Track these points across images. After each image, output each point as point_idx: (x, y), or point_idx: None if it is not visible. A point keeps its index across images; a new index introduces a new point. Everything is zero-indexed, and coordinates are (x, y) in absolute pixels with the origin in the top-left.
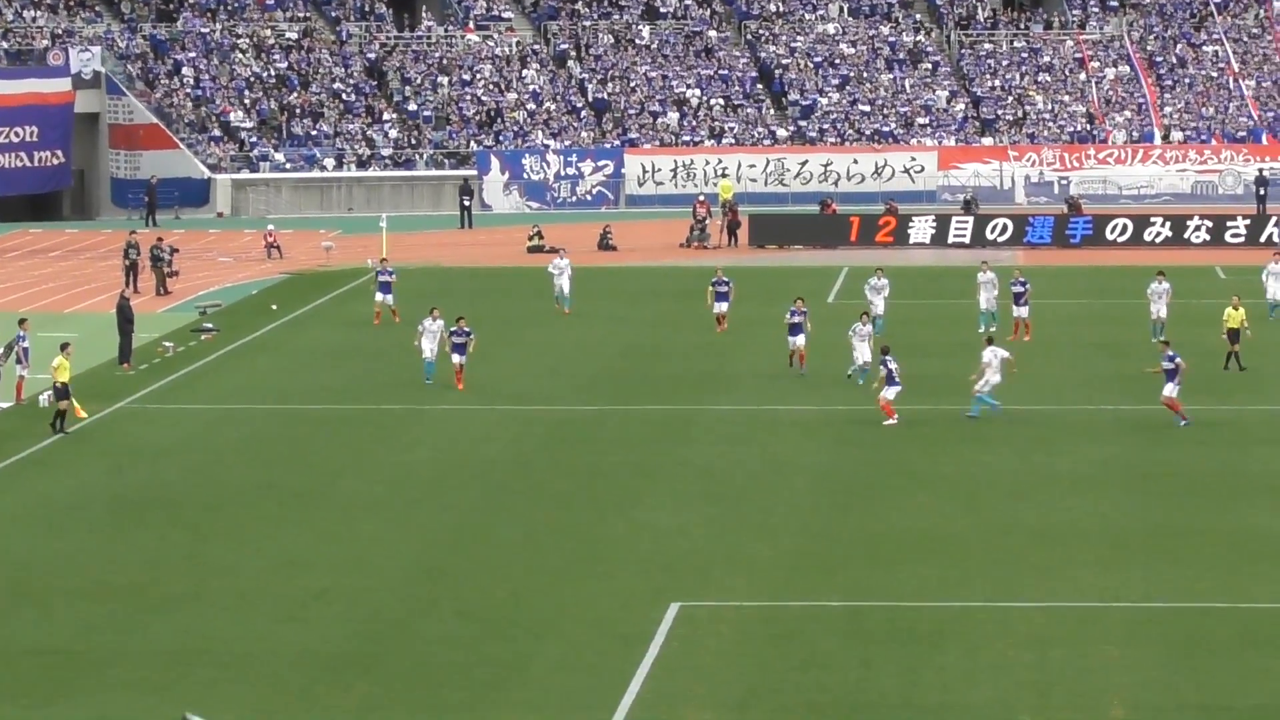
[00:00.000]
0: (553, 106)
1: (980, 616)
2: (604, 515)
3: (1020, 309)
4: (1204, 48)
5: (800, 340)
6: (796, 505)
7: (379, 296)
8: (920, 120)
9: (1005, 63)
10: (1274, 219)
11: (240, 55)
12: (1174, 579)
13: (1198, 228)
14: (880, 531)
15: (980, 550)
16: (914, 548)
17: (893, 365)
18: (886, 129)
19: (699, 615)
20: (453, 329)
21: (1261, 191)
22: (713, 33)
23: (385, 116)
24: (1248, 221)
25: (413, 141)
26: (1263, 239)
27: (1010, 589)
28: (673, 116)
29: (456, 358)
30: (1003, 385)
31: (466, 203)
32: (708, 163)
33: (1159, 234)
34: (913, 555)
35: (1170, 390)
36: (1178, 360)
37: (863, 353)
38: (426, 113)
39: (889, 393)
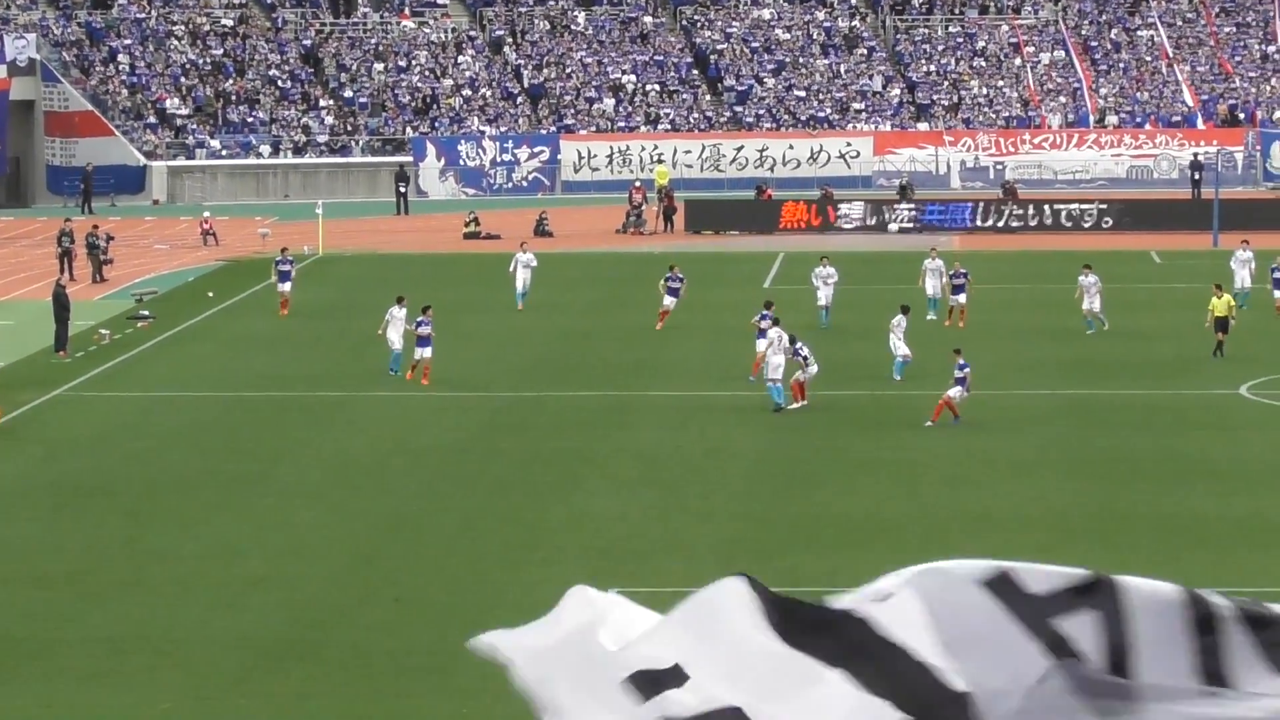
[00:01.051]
0: (488, 93)
1: None
2: (542, 501)
3: (957, 296)
4: (1139, 32)
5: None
6: (734, 490)
7: (281, 287)
8: (856, 106)
9: (941, 48)
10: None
11: (176, 42)
12: (1114, 564)
13: (1132, 212)
14: (819, 517)
15: (920, 536)
16: (853, 533)
17: (805, 351)
18: (822, 114)
19: (637, 601)
20: (419, 319)
21: (1196, 176)
22: (648, 18)
23: (321, 103)
24: (1184, 206)
25: (349, 128)
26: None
27: None
28: (608, 103)
29: (422, 351)
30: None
31: (403, 189)
32: (643, 149)
33: (1092, 218)
34: (852, 541)
35: (954, 393)
36: (967, 370)
37: (899, 347)
38: (362, 99)
39: (802, 374)
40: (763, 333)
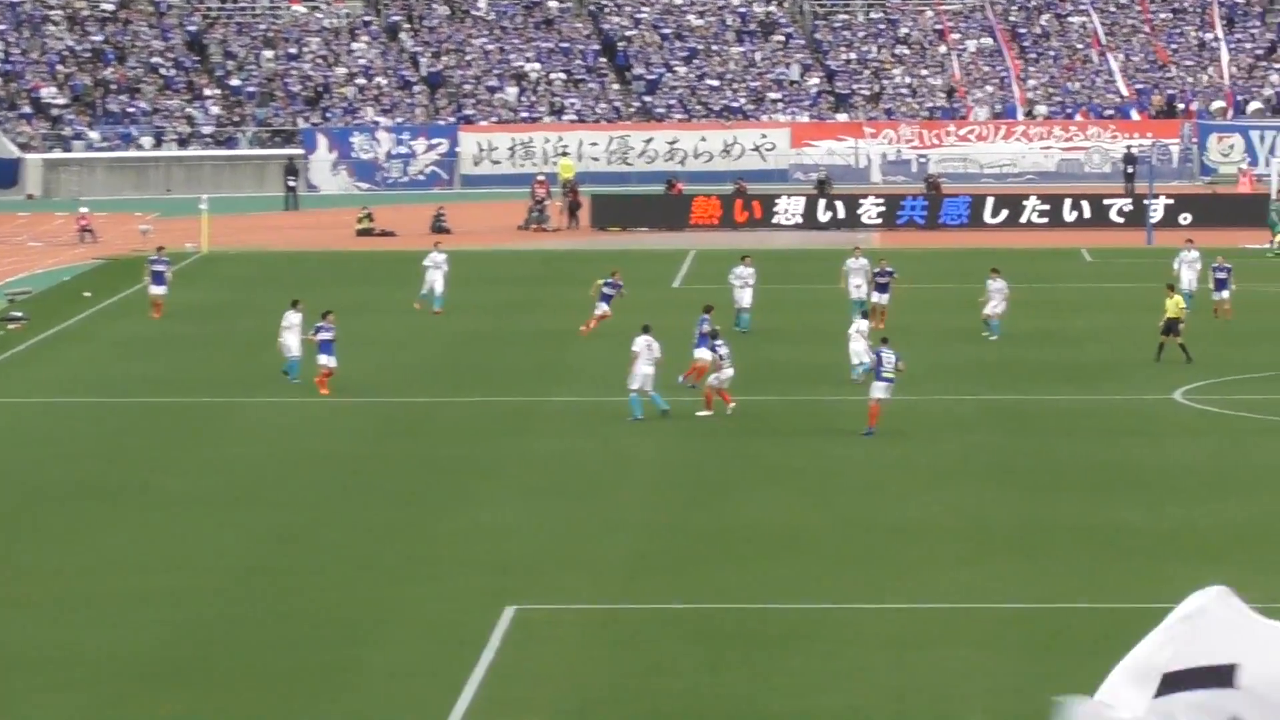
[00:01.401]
0: (384, 81)
1: (834, 618)
2: (438, 513)
3: (880, 295)
4: (1070, 19)
5: (702, 354)
6: (640, 501)
7: (153, 289)
8: (772, 95)
9: (861, 34)
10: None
11: (53, 27)
12: (1038, 577)
13: (1063, 207)
14: (729, 528)
15: (834, 548)
16: (764, 545)
17: (724, 350)
18: (736, 104)
19: (536, 618)
20: (319, 324)
21: (1130, 170)
22: (553, 3)
23: (207, 92)
24: (1118, 202)
25: (235, 119)
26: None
27: (866, 589)
28: (511, 92)
29: (324, 359)
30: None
31: (292, 183)
32: (547, 140)
33: (1021, 214)
34: (763, 553)
35: (880, 391)
36: (894, 363)
37: (860, 355)
38: (250, 88)
39: (715, 379)
40: (703, 338)
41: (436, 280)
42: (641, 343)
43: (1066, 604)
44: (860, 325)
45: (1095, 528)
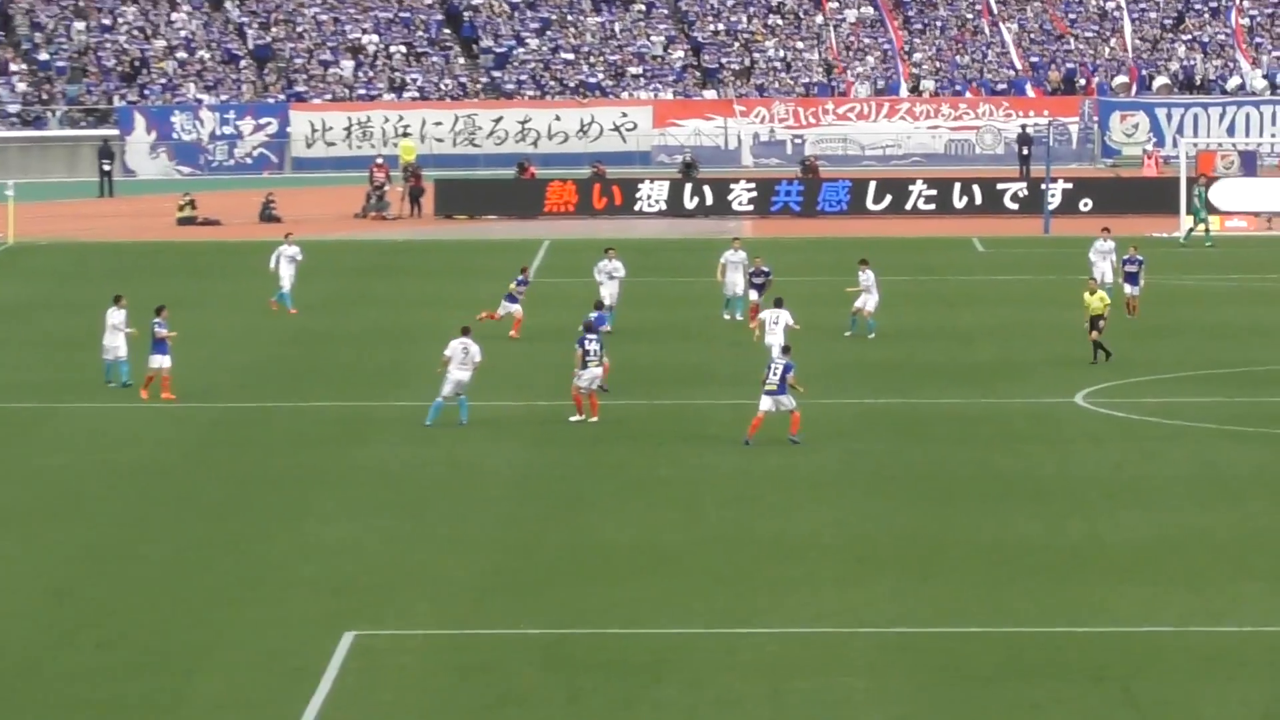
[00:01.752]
0: (207, 55)
1: (705, 644)
2: (267, 529)
3: (756, 294)
4: None
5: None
6: (491, 516)
7: None
8: (633, 70)
9: (730, 4)
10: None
11: None
12: (928, 598)
13: (953, 193)
14: (587, 545)
15: (704, 566)
16: (628, 564)
17: (593, 345)
18: (594, 80)
19: (377, 645)
20: (154, 320)
21: (1025, 151)
22: None
23: (12, 68)
24: (1012, 186)
25: (44, 97)
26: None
27: (739, 611)
28: (347, 66)
29: (158, 360)
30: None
31: (107, 167)
32: (386, 120)
33: (895, 200)
34: (626, 573)
35: (767, 403)
36: (791, 374)
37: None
38: (60, 63)
39: (585, 379)
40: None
41: (289, 275)
42: (456, 346)
43: (959, 628)
44: (776, 314)
45: (991, 543)
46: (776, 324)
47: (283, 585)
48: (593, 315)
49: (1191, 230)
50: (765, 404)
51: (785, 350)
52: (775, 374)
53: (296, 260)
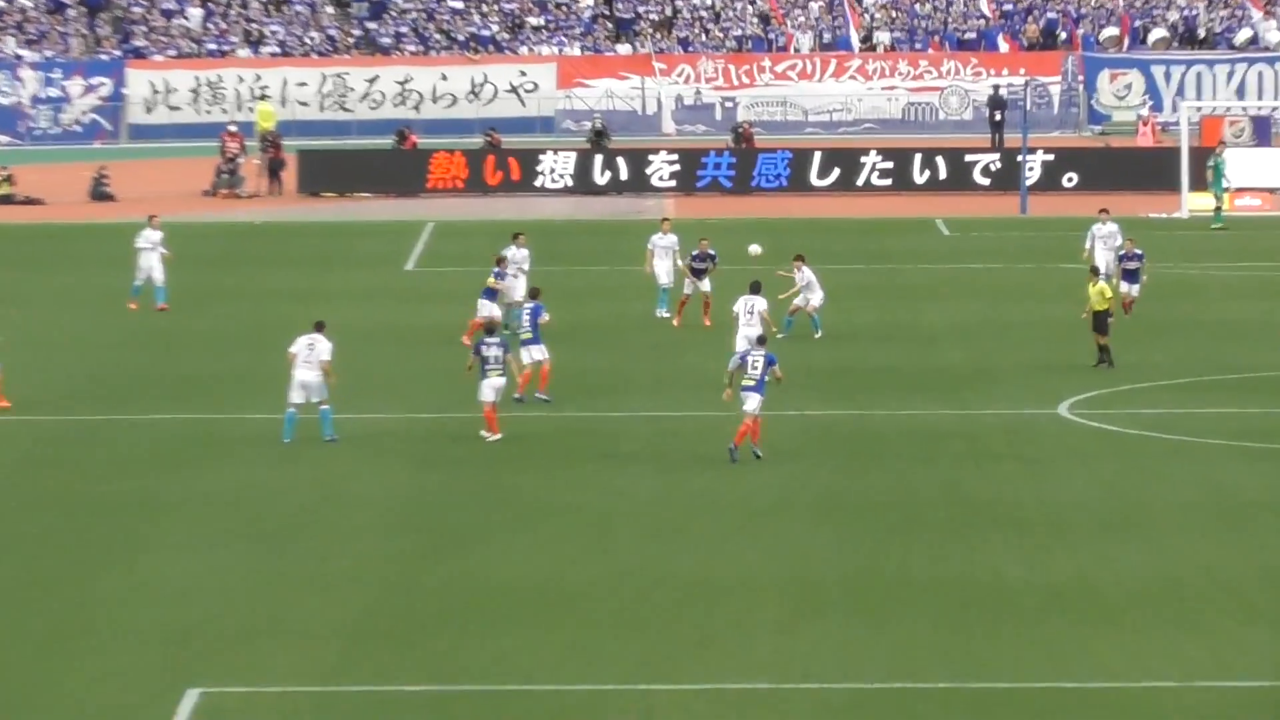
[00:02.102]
0: (28, 4)
1: (614, 701)
2: (97, 566)
3: (702, 283)
4: None
5: (540, 353)
6: (363, 550)
7: None
8: (533, 21)
9: None
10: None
11: None
12: (882, 648)
13: (912, 166)
14: (476, 586)
15: (615, 610)
16: (525, 608)
17: (495, 351)
18: (486, 33)
19: (226, 704)
20: None
21: (997, 117)
22: None
23: None
24: (982, 158)
25: None
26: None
27: (657, 663)
28: (194, 16)
29: None
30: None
31: None
32: (241, 80)
33: (844, 174)
34: (523, 618)
35: (752, 403)
36: (774, 367)
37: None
38: None
39: (488, 391)
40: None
41: (154, 266)
42: (302, 342)
43: (920, 683)
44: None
45: (958, 582)
46: (751, 314)
47: (114, 633)
48: (527, 305)
49: (1220, 210)
50: (750, 404)
51: (761, 341)
52: (756, 368)
53: (160, 249)
